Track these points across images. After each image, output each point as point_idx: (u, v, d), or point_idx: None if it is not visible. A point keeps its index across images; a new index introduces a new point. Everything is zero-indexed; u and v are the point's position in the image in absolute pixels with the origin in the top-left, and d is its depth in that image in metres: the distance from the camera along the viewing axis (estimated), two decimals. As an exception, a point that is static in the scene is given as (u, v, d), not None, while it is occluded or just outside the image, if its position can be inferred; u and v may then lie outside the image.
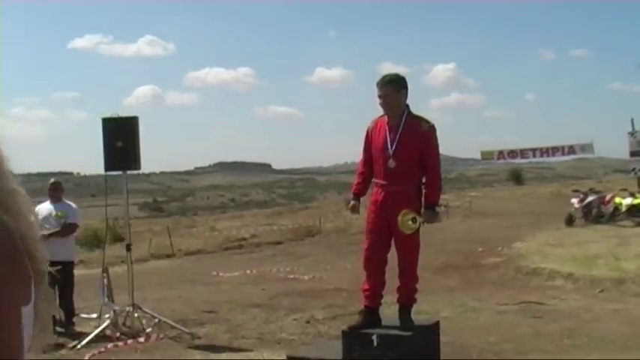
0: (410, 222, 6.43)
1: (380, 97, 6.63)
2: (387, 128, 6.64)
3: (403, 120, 6.62)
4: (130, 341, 8.99)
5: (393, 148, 6.55)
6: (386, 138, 6.61)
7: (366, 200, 7.00)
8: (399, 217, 6.40)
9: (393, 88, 6.64)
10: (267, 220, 36.96)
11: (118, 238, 23.54)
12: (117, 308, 9.76)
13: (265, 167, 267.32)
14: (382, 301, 6.92)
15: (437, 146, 6.85)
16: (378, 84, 6.67)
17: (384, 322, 6.74)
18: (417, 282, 6.83)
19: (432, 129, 6.75)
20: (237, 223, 36.65)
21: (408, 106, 6.73)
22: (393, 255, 6.79)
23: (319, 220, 29.47)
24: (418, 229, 6.59)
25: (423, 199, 6.68)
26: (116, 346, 8.82)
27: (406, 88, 6.76)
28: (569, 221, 22.85)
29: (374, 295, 6.78)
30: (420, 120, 6.72)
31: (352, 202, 6.87)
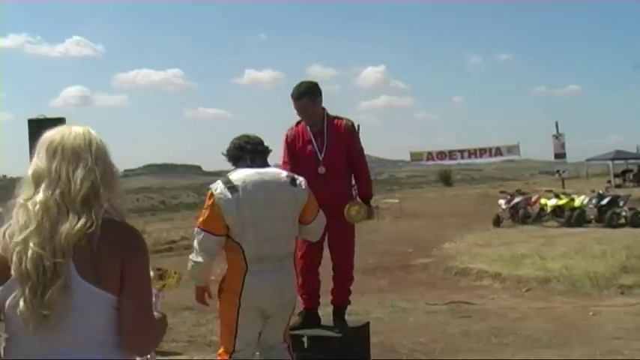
0: (355, 213, 6.40)
1: (297, 110, 6.45)
2: (310, 135, 6.50)
3: (325, 123, 6.51)
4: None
5: (323, 154, 6.44)
6: (312, 145, 6.48)
7: None
8: (345, 211, 6.32)
9: (309, 99, 6.42)
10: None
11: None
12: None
13: (195, 169, 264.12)
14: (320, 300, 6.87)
15: (359, 141, 6.80)
16: (292, 97, 6.44)
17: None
18: (352, 283, 6.81)
19: (353, 126, 6.68)
20: (168, 225, 36.26)
21: (324, 108, 6.58)
22: (325, 256, 6.74)
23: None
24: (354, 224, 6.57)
25: (356, 195, 6.67)
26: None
27: (321, 93, 6.55)
28: (497, 222, 23.30)
29: (312, 296, 6.71)
30: (340, 119, 6.61)
31: None
